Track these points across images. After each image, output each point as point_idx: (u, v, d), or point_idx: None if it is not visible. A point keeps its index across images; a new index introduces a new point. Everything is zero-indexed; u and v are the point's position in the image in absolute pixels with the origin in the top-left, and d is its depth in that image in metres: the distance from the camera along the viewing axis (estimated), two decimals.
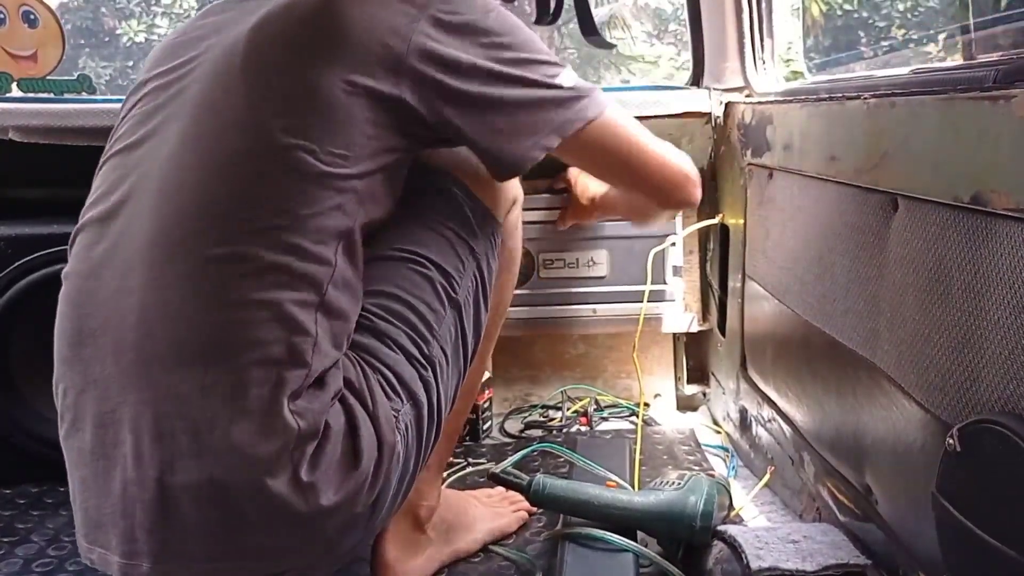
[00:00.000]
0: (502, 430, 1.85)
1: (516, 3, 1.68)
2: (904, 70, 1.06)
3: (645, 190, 1.18)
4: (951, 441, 0.79)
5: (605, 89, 1.79)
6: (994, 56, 0.86)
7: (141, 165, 0.97)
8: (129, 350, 0.90)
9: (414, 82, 0.97)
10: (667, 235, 1.81)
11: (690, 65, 1.90)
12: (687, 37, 1.88)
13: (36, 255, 1.57)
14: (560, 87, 1.02)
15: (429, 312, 1.05)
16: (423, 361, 1.03)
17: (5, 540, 1.40)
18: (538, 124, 1.01)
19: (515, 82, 1.00)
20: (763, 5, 1.66)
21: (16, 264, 1.56)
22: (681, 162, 1.17)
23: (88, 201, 1.02)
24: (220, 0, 1.13)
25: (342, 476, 0.93)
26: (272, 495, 0.88)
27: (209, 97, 0.97)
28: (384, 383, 0.99)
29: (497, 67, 1.00)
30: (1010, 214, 0.75)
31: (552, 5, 1.77)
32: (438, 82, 0.97)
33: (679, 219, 1.82)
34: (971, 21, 0.95)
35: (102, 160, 1.05)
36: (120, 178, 0.98)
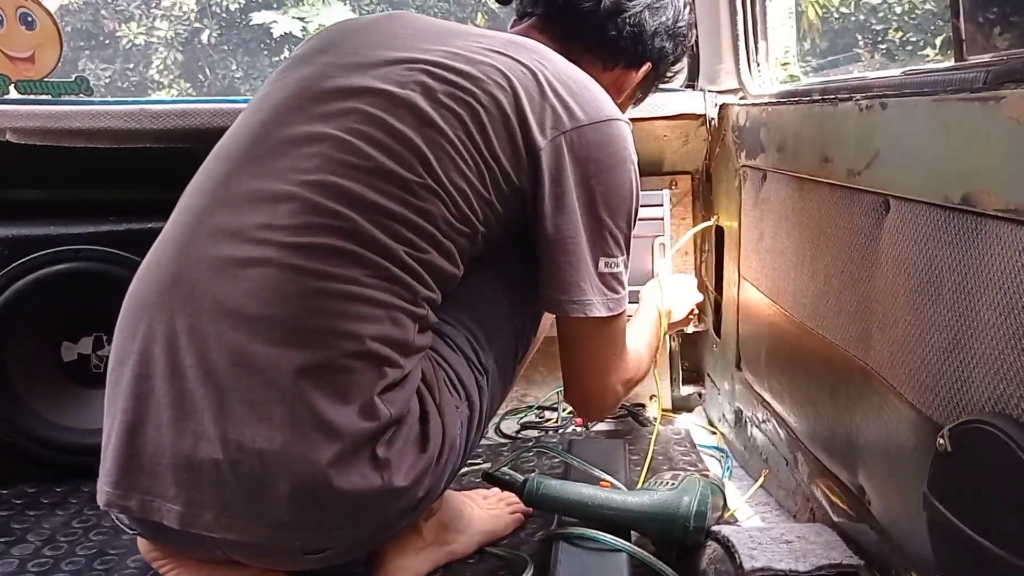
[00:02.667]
0: (498, 430, 1.86)
1: (513, 5, 1.69)
2: (896, 71, 1.07)
3: (574, 392, 1.27)
4: (942, 441, 0.79)
5: None
6: (985, 57, 0.86)
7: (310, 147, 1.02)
8: (230, 313, 0.95)
9: (536, 176, 1.07)
10: (656, 236, 1.81)
11: (686, 68, 1.90)
12: None
13: (33, 256, 1.58)
14: (599, 270, 1.12)
15: (490, 324, 1.15)
16: (480, 367, 1.12)
17: (1, 540, 1.40)
18: (572, 287, 1.10)
19: (586, 231, 1.10)
20: (757, 8, 1.67)
21: (13, 265, 1.57)
22: (609, 399, 1.27)
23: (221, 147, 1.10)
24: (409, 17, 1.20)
25: (413, 458, 1.00)
26: (350, 471, 0.94)
27: (381, 113, 1.02)
28: (448, 380, 1.08)
29: (585, 209, 1.09)
30: (1000, 215, 0.75)
31: None
32: (552, 186, 1.07)
33: (667, 220, 1.82)
34: (962, 23, 0.95)
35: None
36: (273, 151, 1.03)
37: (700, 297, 1.68)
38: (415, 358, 1.02)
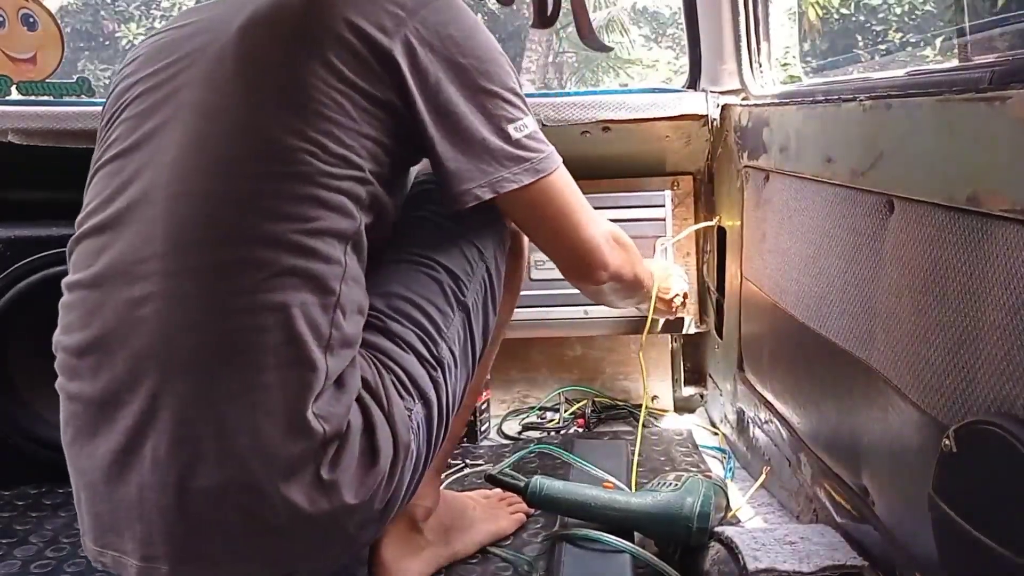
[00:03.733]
0: (500, 431, 1.86)
1: (514, 6, 1.69)
2: (900, 72, 1.07)
3: (559, 257, 1.17)
4: (947, 442, 0.79)
5: (601, 92, 1.80)
6: (990, 57, 0.86)
7: (142, 173, 0.96)
8: (145, 358, 0.90)
9: (400, 84, 0.97)
10: (659, 237, 1.82)
11: (688, 68, 1.90)
12: (685, 41, 1.89)
13: (35, 257, 1.58)
14: (508, 138, 1.02)
15: (438, 313, 1.06)
16: (433, 361, 1.05)
17: (3, 541, 1.40)
18: (475, 172, 1.01)
19: (476, 108, 1.01)
20: (759, 8, 1.67)
21: (16, 266, 1.57)
22: (601, 246, 1.16)
23: (85, 208, 1.01)
24: (201, 3, 1.13)
25: (362, 475, 0.95)
26: (296, 496, 0.90)
27: (205, 100, 0.96)
28: (397, 382, 1.01)
29: (466, 88, 1.01)
30: (1006, 215, 0.75)
31: (549, 8, 1.78)
32: (419, 86, 0.98)
33: (669, 220, 1.83)
34: (967, 23, 0.95)
35: (94, 166, 1.04)
36: (120, 186, 0.97)
37: (687, 288, 1.68)
38: (342, 355, 0.94)
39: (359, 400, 0.96)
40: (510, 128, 1.03)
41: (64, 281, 1.00)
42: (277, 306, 0.89)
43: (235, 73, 0.96)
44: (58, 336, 0.98)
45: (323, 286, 0.92)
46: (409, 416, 1.01)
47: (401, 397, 1.01)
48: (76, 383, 0.95)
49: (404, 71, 0.97)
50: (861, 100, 1.05)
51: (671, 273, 1.63)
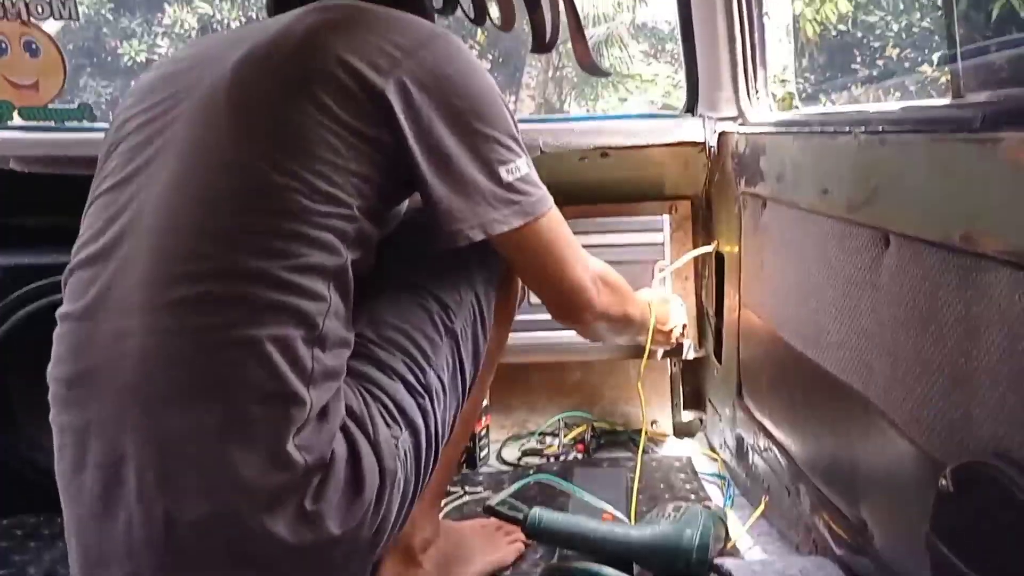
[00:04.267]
0: (499, 457, 1.86)
1: (512, 31, 1.71)
2: (894, 105, 1.07)
3: (546, 298, 1.18)
4: (944, 482, 0.79)
5: (599, 118, 1.80)
6: (982, 96, 0.87)
7: (131, 205, 0.98)
8: (129, 392, 0.90)
9: (391, 123, 0.98)
10: (656, 262, 1.82)
11: (685, 93, 1.91)
12: (683, 59, 1.90)
13: (35, 285, 1.58)
14: (500, 180, 1.03)
15: (425, 341, 1.07)
16: (420, 389, 1.05)
17: (2, 571, 1.40)
18: (466, 213, 1.01)
19: (469, 150, 1.02)
20: (755, 36, 1.68)
21: (15, 294, 1.57)
22: (588, 288, 1.16)
23: (79, 240, 1.02)
24: (202, 37, 1.14)
25: (347, 504, 0.95)
26: (279, 528, 0.90)
27: (196, 135, 0.98)
28: (383, 411, 1.01)
29: (459, 129, 1.01)
30: (1000, 256, 0.75)
31: (548, 34, 1.79)
32: (412, 126, 0.99)
33: (667, 245, 1.83)
34: (958, 49, 0.96)
35: (91, 197, 1.05)
36: (111, 218, 0.98)
37: (686, 319, 1.69)
38: (325, 387, 0.94)
39: (344, 429, 0.96)
40: (502, 170, 1.03)
41: (58, 312, 1.01)
42: (258, 340, 0.89)
43: (227, 109, 0.97)
44: (51, 367, 0.99)
45: (306, 321, 0.93)
46: (396, 444, 1.01)
47: (388, 425, 1.01)
48: (66, 415, 0.96)
49: (396, 110, 0.98)
50: (856, 134, 1.05)
51: (669, 303, 1.63)
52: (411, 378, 1.04)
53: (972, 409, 0.80)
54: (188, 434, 0.89)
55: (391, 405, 1.02)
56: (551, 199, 1.09)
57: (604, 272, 1.24)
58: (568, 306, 1.18)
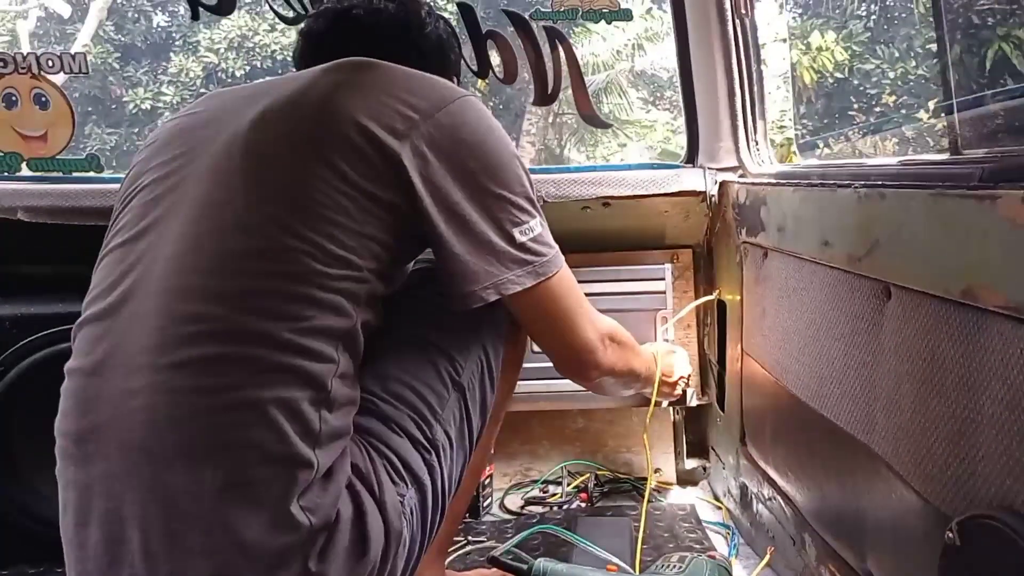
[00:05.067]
0: (502, 506, 1.85)
1: (516, 85, 1.74)
2: (893, 160, 1.09)
3: (554, 355, 1.20)
4: (951, 535, 0.79)
5: (601, 168, 1.83)
6: (979, 152, 0.89)
7: (141, 262, 0.98)
8: (136, 450, 0.90)
9: (406, 186, 0.99)
10: (659, 310, 1.83)
11: (685, 144, 1.94)
12: (681, 104, 1.93)
13: (40, 335, 1.58)
14: (514, 241, 1.04)
15: (432, 395, 1.07)
16: (427, 445, 1.04)
17: None
18: (480, 274, 1.02)
19: (483, 211, 1.03)
20: (755, 89, 1.71)
21: (21, 343, 1.58)
22: (595, 347, 1.18)
23: (90, 295, 1.02)
24: (220, 89, 1.16)
25: (352, 565, 0.94)
26: None
27: (209, 193, 0.98)
28: (389, 468, 1.01)
29: (474, 191, 1.03)
30: (1001, 311, 0.76)
31: (550, 87, 1.83)
32: (427, 189, 1.00)
33: (669, 293, 1.84)
34: (954, 100, 0.98)
35: (103, 251, 1.06)
36: (121, 275, 0.99)
37: (690, 370, 1.69)
38: (333, 448, 0.94)
39: (349, 487, 0.95)
40: (516, 231, 1.04)
41: (66, 366, 1.01)
42: (264, 402, 0.89)
43: (240, 168, 0.98)
44: (58, 421, 0.99)
45: (314, 383, 0.93)
46: (402, 502, 1.00)
47: (394, 483, 1.00)
48: (72, 469, 0.95)
49: (411, 174, 0.99)
50: (856, 188, 1.07)
51: (674, 354, 1.64)
52: (418, 434, 1.04)
53: (977, 461, 0.80)
54: (192, 494, 0.89)
55: (397, 462, 1.01)
56: (562, 258, 1.11)
57: (612, 330, 1.24)
58: (575, 364, 1.19)
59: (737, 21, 1.69)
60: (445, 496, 1.08)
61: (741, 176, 1.74)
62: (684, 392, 1.70)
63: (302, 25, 1.25)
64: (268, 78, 1.17)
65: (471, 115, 1.06)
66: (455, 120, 1.03)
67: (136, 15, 10.98)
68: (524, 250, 1.05)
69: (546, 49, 1.77)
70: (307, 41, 1.23)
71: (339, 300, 0.95)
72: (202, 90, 10.67)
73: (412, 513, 1.02)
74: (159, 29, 10.98)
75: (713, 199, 1.80)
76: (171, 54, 10.80)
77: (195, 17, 1.77)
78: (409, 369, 1.07)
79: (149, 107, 10.56)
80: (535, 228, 1.07)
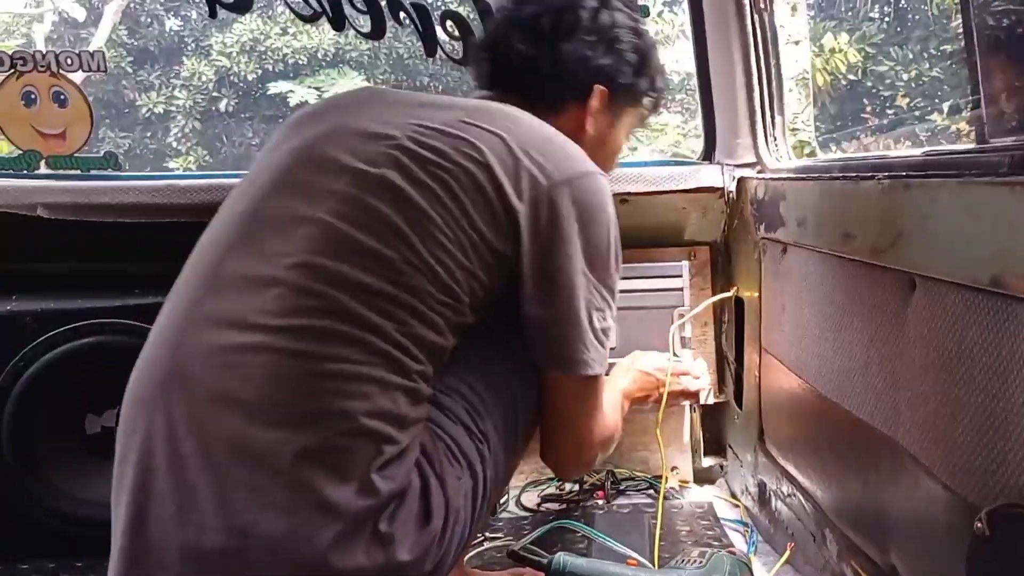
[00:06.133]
0: (519, 503, 1.84)
1: None
2: (917, 151, 1.08)
3: (554, 453, 1.25)
4: (979, 525, 0.79)
5: (619, 165, 1.82)
6: (1007, 140, 0.88)
7: (272, 227, 1.03)
8: (227, 401, 0.95)
9: (518, 242, 1.07)
10: (676, 307, 1.82)
11: (696, 132, 1.93)
12: (693, 106, 1.93)
13: (59, 330, 1.59)
14: (592, 326, 1.11)
15: (487, 392, 1.13)
16: (479, 435, 1.10)
17: None
18: (555, 344, 1.12)
19: (577, 286, 1.09)
20: (773, 84, 1.70)
21: (40, 339, 1.58)
22: (588, 460, 1.27)
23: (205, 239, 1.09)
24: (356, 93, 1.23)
25: (417, 532, 0.99)
26: (355, 550, 0.94)
27: (357, 196, 1.03)
28: (448, 451, 1.07)
29: (574, 266, 1.09)
30: None
31: None
32: (534, 249, 1.07)
33: (687, 291, 1.83)
34: (983, 95, 0.97)
35: (212, 235, 1.10)
36: (244, 236, 1.05)
37: (708, 382, 1.66)
38: (411, 431, 1.01)
39: (417, 463, 1.02)
40: (596, 317, 1.12)
41: (160, 311, 1.07)
42: (365, 379, 0.96)
43: (377, 198, 1.03)
44: (139, 364, 1.05)
45: (407, 376, 1.00)
46: (459, 483, 1.06)
47: (451, 465, 1.06)
48: (144, 416, 0.99)
49: (524, 233, 1.06)
50: (879, 179, 1.06)
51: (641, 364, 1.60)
52: (470, 423, 1.09)
53: (1006, 451, 0.80)
54: (279, 451, 0.93)
55: (454, 447, 1.07)
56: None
57: (611, 436, 1.30)
58: (567, 462, 1.28)
59: (756, 15, 1.69)
60: (490, 488, 1.13)
61: (759, 172, 1.73)
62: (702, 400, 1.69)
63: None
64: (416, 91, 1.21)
65: (593, 195, 1.11)
66: (576, 195, 1.09)
67: (149, 19, 11.02)
68: (598, 337, 1.12)
69: None
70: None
71: (438, 321, 1.03)
72: (214, 94, 10.71)
73: (466, 496, 1.07)
74: (171, 33, 11.02)
75: (731, 195, 1.80)
76: (183, 58, 10.84)
77: (212, 15, 1.78)
78: (468, 366, 1.12)
79: (162, 111, 10.60)
80: (608, 320, 1.14)
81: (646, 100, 1.35)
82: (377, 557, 0.95)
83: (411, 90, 1.23)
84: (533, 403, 1.19)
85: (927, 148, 1.05)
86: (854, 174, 1.16)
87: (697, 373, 1.62)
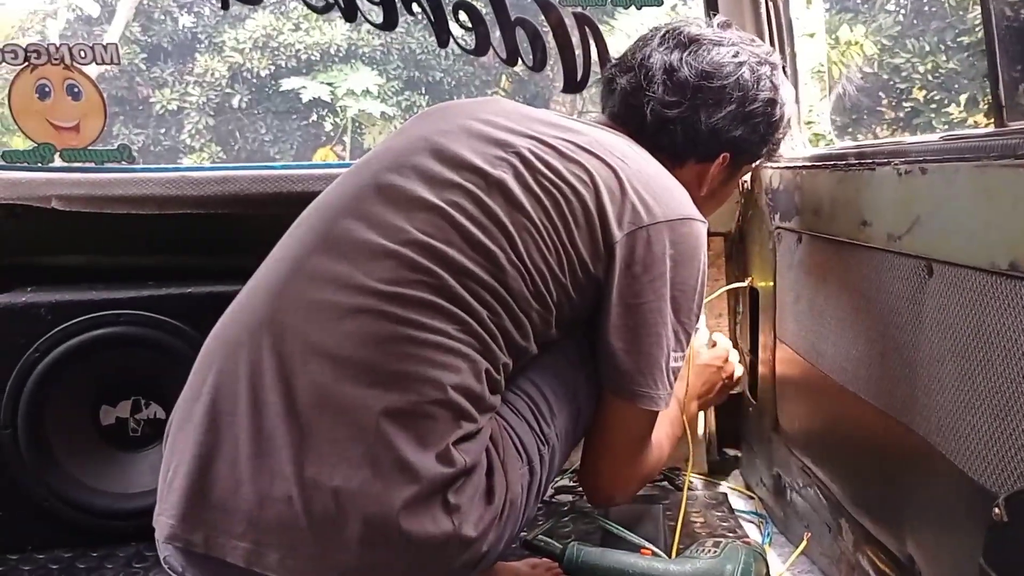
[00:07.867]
0: None
1: (545, 71, 1.73)
2: (933, 136, 1.07)
3: (595, 478, 1.28)
4: (998, 511, 0.78)
5: None
6: None
7: (394, 204, 1.08)
8: (321, 354, 1.00)
9: (609, 271, 1.12)
10: None
11: None
12: None
13: (74, 321, 1.60)
14: (667, 364, 1.16)
15: (556, 401, 1.18)
16: (542, 436, 1.15)
17: None
18: (628, 376, 1.15)
19: (660, 325, 1.14)
20: (788, 72, 1.68)
21: (56, 330, 1.59)
22: (624, 490, 1.31)
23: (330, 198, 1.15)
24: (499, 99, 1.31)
25: (481, 509, 1.03)
26: (424, 516, 0.97)
27: (470, 209, 1.08)
28: (513, 442, 1.12)
29: (659, 305, 1.14)
30: None
31: (579, 74, 1.82)
32: (623, 282, 1.12)
33: None
34: (1000, 79, 0.95)
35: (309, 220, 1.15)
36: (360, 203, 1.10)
37: (721, 353, 1.60)
38: (487, 415, 1.06)
39: (486, 447, 1.06)
40: (672, 355, 1.16)
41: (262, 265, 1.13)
42: (458, 354, 1.02)
43: (492, 198, 1.09)
44: (232, 307, 1.11)
45: (494, 363, 1.06)
46: (520, 472, 1.10)
47: (514, 455, 1.11)
48: (223, 359, 1.04)
49: (617, 264, 1.11)
50: (895, 164, 1.05)
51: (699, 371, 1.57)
52: (535, 423, 1.14)
53: None
54: (368, 408, 0.97)
55: (517, 440, 1.12)
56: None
57: (655, 464, 1.32)
58: (607, 489, 1.29)
59: (770, 7, 1.68)
60: (543, 487, 1.17)
61: (774, 161, 1.71)
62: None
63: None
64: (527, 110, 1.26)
65: (691, 240, 1.16)
66: (674, 236, 1.14)
67: (162, 16, 11.07)
68: (666, 375, 1.16)
69: (575, 36, 1.76)
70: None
71: (525, 323, 1.09)
72: (227, 90, 10.76)
73: (523, 488, 1.11)
74: (184, 30, 11.07)
75: (745, 185, 1.79)
76: (196, 54, 10.90)
77: (225, 7, 1.78)
78: (540, 374, 1.17)
79: (176, 107, 10.66)
80: (679, 360, 1.18)
81: (764, 152, 1.38)
82: (445, 525, 0.98)
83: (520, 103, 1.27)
84: (588, 420, 1.23)
85: (944, 132, 1.04)
86: (870, 161, 1.15)
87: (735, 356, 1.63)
